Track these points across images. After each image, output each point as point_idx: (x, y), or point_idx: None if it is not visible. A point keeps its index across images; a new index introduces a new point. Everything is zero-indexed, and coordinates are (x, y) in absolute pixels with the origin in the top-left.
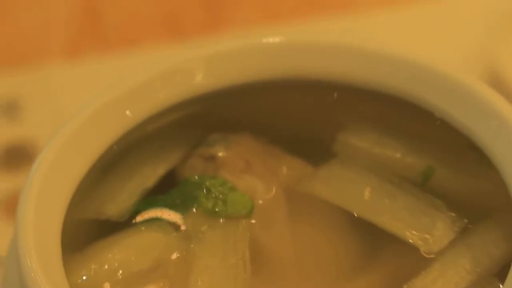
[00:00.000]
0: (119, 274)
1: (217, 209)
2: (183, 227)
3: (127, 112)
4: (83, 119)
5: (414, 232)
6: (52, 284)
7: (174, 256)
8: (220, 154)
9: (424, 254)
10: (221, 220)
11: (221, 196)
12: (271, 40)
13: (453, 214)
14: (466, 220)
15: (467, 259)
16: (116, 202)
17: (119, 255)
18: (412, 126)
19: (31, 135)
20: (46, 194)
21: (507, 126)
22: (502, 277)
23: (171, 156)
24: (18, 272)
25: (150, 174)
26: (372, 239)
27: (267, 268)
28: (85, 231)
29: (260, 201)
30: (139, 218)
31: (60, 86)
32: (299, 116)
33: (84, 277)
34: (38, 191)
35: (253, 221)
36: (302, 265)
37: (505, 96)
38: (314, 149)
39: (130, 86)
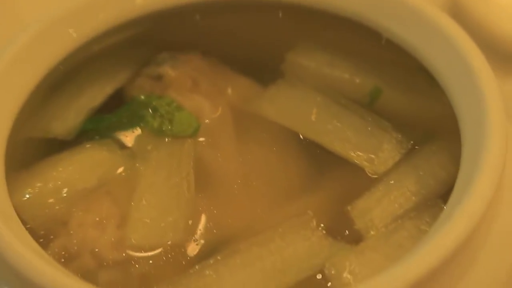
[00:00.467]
0: (63, 192)
1: (163, 128)
2: (129, 146)
3: (71, 31)
4: (26, 39)
5: (359, 152)
6: None
7: (119, 174)
8: (168, 73)
9: (369, 175)
10: (166, 139)
11: (167, 115)
12: None
13: (400, 136)
14: (412, 142)
15: (412, 181)
16: (63, 120)
17: (64, 173)
18: (360, 48)
19: None
20: None
21: (453, 47)
22: (447, 199)
23: (119, 75)
24: None
25: (97, 93)
26: (318, 160)
27: (213, 187)
28: (32, 150)
29: (207, 121)
30: (85, 137)
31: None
32: (248, 36)
33: (28, 195)
34: None
35: (200, 139)
36: (248, 185)
37: (463, 23)
38: (263, 69)
39: (72, 6)
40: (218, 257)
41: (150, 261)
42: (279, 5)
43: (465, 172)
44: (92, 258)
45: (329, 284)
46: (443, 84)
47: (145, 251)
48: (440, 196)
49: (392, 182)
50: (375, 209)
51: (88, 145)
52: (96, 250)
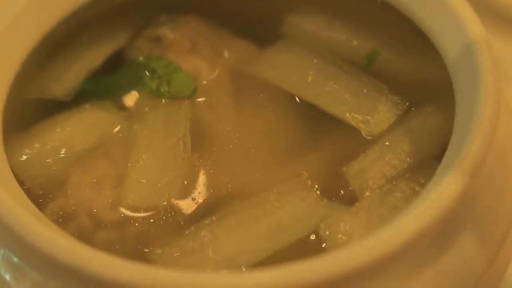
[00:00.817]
0: (61, 153)
1: (161, 90)
2: (127, 107)
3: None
4: (24, 1)
5: (355, 114)
6: None
7: (117, 135)
8: (166, 35)
9: (365, 136)
10: (164, 100)
11: (165, 76)
12: None
13: (396, 97)
14: (408, 104)
15: (407, 142)
16: (62, 81)
17: (62, 134)
18: (358, 10)
19: None
20: None
21: (448, 9)
22: (441, 161)
23: (118, 37)
24: None
25: (96, 55)
26: (315, 121)
27: (209, 148)
28: (31, 111)
29: (205, 82)
30: (84, 98)
31: None
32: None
33: (26, 155)
34: None
35: (197, 99)
36: (244, 146)
37: None
38: (262, 31)
39: None
40: (214, 218)
41: (147, 222)
42: None
43: (458, 134)
44: (89, 219)
45: (323, 244)
46: (438, 46)
47: (142, 212)
48: (435, 157)
49: (387, 143)
50: (370, 170)
51: (86, 106)
52: (93, 210)
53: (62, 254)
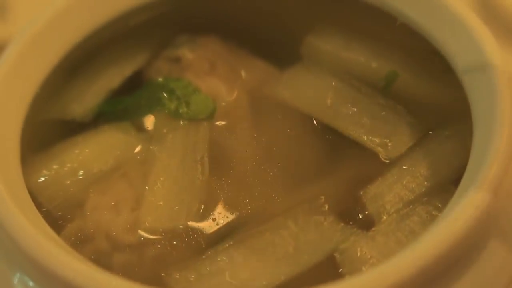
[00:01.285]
0: (79, 174)
1: (179, 111)
2: (145, 129)
3: (90, 13)
4: (45, 20)
5: (373, 137)
6: (7, 184)
7: (135, 157)
8: (185, 56)
9: (383, 160)
10: (182, 122)
11: (184, 98)
12: None
13: (414, 120)
14: (426, 127)
15: (424, 166)
16: (81, 102)
17: (81, 155)
18: (377, 32)
19: None
20: (6, 96)
21: (466, 32)
22: (458, 184)
23: (137, 57)
24: None
25: (116, 75)
26: (333, 144)
27: (227, 170)
28: (50, 132)
29: (223, 103)
30: (103, 119)
31: None
32: (267, 19)
33: (45, 177)
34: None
35: (216, 122)
36: (262, 168)
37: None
38: (281, 52)
39: None
40: (231, 242)
41: (164, 244)
42: None
43: (475, 159)
44: (107, 241)
45: (340, 269)
46: (456, 68)
47: (159, 234)
48: (452, 181)
49: (405, 167)
50: (388, 194)
51: (104, 128)
52: (111, 233)
53: (78, 279)
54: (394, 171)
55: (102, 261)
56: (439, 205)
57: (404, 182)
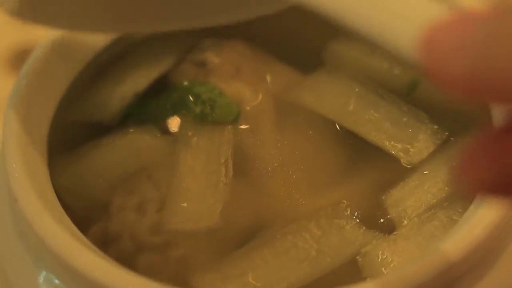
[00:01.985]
0: (105, 176)
1: (205, 114)
2: (170, 132)
3: None
4: None
5: (395, 143)
6: (35, 185)
7: (160, 159)
8: (211, 60)
9: (405, 165)
10: (207, 125)
11: (209, 101)
12: None
13: (435, 126)
14: (447, 133)
15: (445, 171)
16: (107, 105)
17: (107, 157)
18: None
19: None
20: (33, 98)
21: None
22: None
23: (163, 61)
24: (5, 173)
25: (142, 78)
26: (355, 149)
27: (251, 174)
28: (76, 134)
29: (248, 108)
30: (129, 121)
31: None
32: (291, 24)
33: (71, 178)
34: (26, 95)
35: (241, 126)
36: (285, 172)
37: None
38: (305, 57)
39: None
40: (253, 245)
41: (188, 246)
42: None
43: None
44: (131, 242)
45: (362, 273)
46: None
47: (183, 236)
48: None
49: (426, 172)
50: (409, 199)
51: (131, 130)
52: (136, 233)
53: (104, 278)
54: (415, 176)
55: (126, 261)
56: (460, 210)
57: (426, 187)
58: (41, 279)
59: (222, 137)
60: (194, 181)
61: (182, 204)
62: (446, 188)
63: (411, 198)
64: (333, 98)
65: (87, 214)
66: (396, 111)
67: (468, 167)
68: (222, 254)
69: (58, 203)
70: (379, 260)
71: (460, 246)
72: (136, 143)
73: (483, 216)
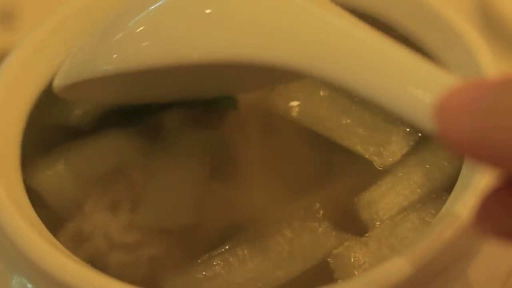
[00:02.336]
0: (82, 175)
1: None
2: (148, 133)
3: (95, 20)
4: (49, 26)
5: (368, 146)
6: (6, 187)
7: (136, 160)
8: None
9: (378, 168)
10: (187, 127)
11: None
12: None
13: (407, 129)
14: (420, 134)
15: (418, 173)
16: (83, 107)
17: (83, 157)
18: None
19: None
20: (8, 99)
21: (463, 44)
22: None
23: None
24: None
25: None
26: (329, 153)
27: (229, 176)
28: (53, 137)
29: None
30: (106, 122)
31: None
32: None
33: (47, 177)
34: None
35: (220, 128)
36: (262, 176)
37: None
38: None
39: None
40: (227, 247)
41: (161, 246)
42: None
43: (469, 165)
44: (104, 241)
45: (333, 274)
46: None
47: (156, 235)
48: (446, 188)
49: (400, 174)
50: (381, 201)
51: (108, 130)
52: (108, 232)
53: (75, 280)
54: (388, 179)
55: (98, 261)
56: (433, 211)
57: (398, 189)
58: (13, 282)
59: (201, 138)
60: (170, 179)
61: (158, 202)
62: (419, 190)
63: (384, 200)
64: (305, 103)
65: (62, 214)
66: (368, 114)
67: (486, 212)
68: (195, 255)
69: (30, 205)
70: (351, 262)
71: (431, 247)
72: (113, 143)
73: (456, 217)
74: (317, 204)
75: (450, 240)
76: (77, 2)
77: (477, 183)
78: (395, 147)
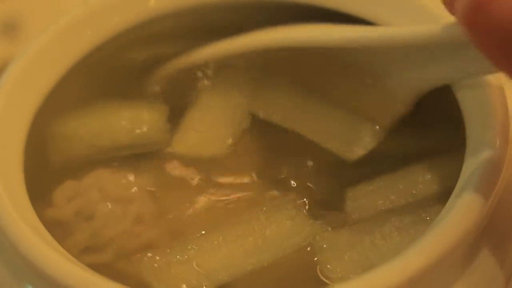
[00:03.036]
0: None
1: None
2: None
3: (88, 32)
4: (47, 39)
5: (337, 141)
6: (11, 197)
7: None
8: None
9: (347, 161)
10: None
11: None
12: None
13: (376, 126)
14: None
15: (407, 182)
16: None
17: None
18: None
19: None
20: (9, 109)
21: None
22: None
23: None
24: None
25: None
26: (301, 148)
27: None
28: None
29: None
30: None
31: (59, 5)
32: None
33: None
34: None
35: None
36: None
37: None
38: None
39: (89, 9)
40: (202, 232)
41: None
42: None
43: (468, 167)
44: (98, 193)
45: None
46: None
47: (186, 161)
48: (433, 198)
49: (387, 181)
50: (365, 199)
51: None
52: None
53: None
54: (375, 181)
55: (87, 210)
56: (423, 215)
57: (384, 192)
58: None
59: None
60: (209, 115)
61: (192, 132)
62: (408, 196)
63: (368, 198)
64: (276, 100)
65: (60, 172)
66: (337, 110)
67: None
68: (172, 240)
69: (33, 212)
70: (326, 251)
71: (430, 251)
72: (137, 117)
73: (456, 220)
74: (294, 193)
75: (449, 245)
76: (78, 12)
77: (478, 183)
78: (365, 142)
